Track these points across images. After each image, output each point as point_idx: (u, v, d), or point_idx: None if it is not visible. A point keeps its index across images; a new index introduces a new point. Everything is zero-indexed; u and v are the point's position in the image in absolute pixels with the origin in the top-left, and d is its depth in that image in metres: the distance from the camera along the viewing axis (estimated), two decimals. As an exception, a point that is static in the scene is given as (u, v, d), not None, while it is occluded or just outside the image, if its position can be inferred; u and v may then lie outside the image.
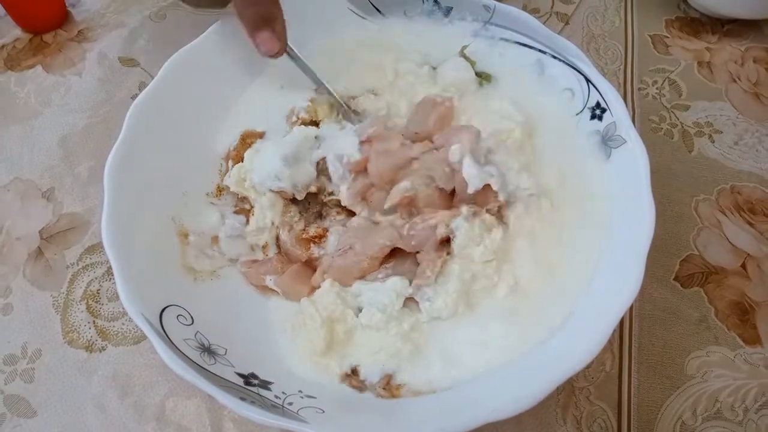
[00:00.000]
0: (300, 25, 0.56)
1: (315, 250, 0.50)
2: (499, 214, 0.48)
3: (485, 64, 0.56)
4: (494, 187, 0.46)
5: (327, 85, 0.53)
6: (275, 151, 0.50)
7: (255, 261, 0.50)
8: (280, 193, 0.50)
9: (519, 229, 0.47)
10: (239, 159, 0.52)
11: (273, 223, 0.50)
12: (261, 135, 0.54)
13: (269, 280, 0.48)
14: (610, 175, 0.47)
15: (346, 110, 0.54)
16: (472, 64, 0.56)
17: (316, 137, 0.52)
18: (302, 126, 0.53)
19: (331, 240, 0.49)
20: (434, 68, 0.56)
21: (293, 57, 0.52)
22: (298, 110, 0.54)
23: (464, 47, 0.57)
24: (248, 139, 0.53)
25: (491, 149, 0.49)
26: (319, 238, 0.50)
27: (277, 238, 0.51)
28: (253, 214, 0.50)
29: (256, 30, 0.49)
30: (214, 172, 0.53)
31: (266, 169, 0.49)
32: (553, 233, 0.47)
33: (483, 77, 0.55)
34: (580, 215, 0.47)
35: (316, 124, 0.54)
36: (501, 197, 0.47)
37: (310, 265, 0.49)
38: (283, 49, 0.51)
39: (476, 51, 0.56)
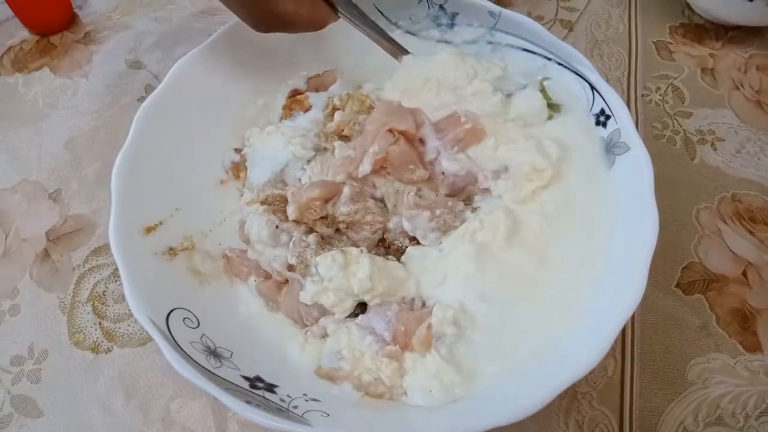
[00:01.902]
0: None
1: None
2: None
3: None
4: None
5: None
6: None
7: (244, 251, 0.50)
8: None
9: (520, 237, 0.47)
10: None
11: None
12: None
13: (251, 280, 0.49)
14: (614, 182, 0.48)
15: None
16: (548, 98, 0.53)
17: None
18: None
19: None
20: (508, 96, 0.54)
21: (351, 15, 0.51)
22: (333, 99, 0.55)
23: (544, 80, 0.54)
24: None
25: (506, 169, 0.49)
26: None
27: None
28: None
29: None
30: (220, 174, 0.53)
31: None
32: (556, 240, 0.47)
33: (553, 108, 0.53)
34: (584, 222, 0.48)
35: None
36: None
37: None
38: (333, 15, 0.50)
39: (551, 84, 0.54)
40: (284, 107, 0.56)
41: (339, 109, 0.54)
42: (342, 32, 0.54)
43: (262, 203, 0.51)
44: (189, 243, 0.48)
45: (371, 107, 0.53)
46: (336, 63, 0.59)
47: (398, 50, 0.54)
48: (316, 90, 0.58)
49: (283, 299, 0.47)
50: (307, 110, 0.56)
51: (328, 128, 0.53)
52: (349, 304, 0.45)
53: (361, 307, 0.47)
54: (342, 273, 0.45)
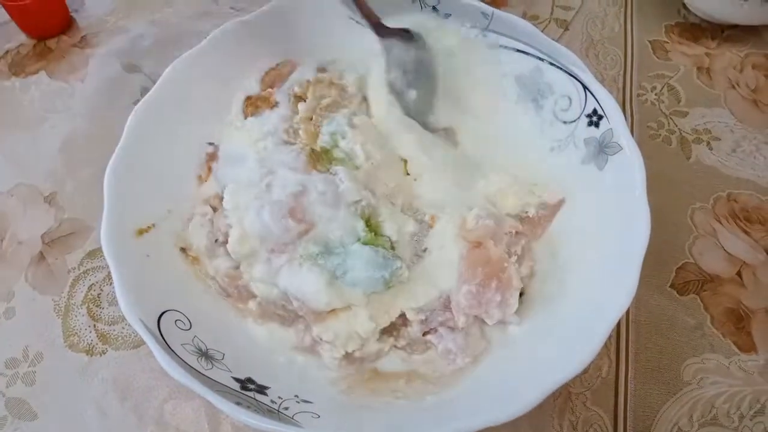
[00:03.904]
0: (304, 37, 0.57)
1: None
2: None
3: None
4: None
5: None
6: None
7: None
8: None
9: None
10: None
11: None
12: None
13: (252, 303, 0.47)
14: (607, 183, 0.48)
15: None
16: None
17: None
18: None
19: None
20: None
21: None
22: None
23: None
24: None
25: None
26: None
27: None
28: None
29: None
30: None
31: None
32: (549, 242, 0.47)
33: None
34: (576, 222, 0.48)
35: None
36: None
37: None
38: None
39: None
40: (249, 104, 0.55)
41: (301, 97, 0.54)
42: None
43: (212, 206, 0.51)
44: (182, 244, 0.48)
45: (333, 85, 0.54)
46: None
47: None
48: (272, 86, 0.57)
49: (298, 342, 0.47)
50: (273, 107, 0.55)
51: (294, 123, 0.52)
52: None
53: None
54: (345, 326, 0.45)
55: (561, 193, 0.50)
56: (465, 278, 0.45)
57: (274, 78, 0.57)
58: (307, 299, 0.44)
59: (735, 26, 0.71)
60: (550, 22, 0.73)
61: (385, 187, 0.50)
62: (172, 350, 0.39)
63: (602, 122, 0.49)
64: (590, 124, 0.50)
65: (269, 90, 0.56)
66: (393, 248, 0.47)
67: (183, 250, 0.48)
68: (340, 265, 0.45)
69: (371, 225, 0.47)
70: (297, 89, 0.56)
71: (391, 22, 0.55)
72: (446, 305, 0.46)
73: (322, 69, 0.57)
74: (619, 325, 0.50)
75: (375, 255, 0.45)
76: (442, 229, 0.48)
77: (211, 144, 0.54)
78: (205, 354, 0.41)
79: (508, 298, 0.44)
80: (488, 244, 0.46)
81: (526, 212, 0.50)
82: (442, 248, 0.47)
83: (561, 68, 0.52)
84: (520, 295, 0.46)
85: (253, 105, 0.55)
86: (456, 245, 0.47)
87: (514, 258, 0.47)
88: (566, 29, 0.73)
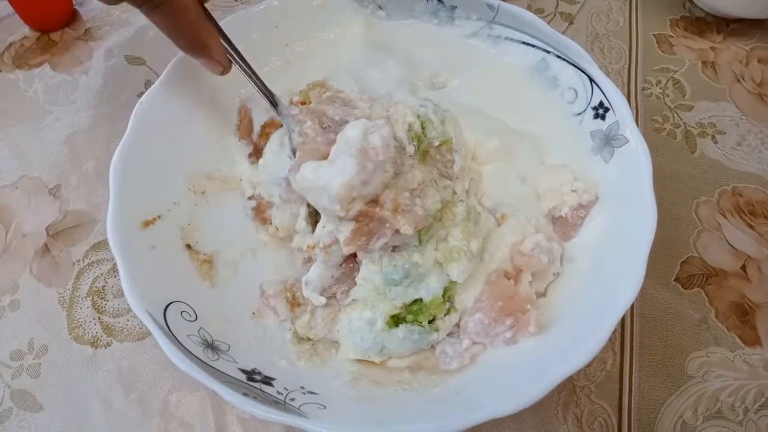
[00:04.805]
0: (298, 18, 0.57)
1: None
2: None
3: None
4: None
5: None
6: None
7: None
8: None
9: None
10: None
11: None
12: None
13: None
14: (612, 175, 0.48)
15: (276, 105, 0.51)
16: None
17: None
18: None
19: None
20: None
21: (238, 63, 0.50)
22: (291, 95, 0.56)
23: None
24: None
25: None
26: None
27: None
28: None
29: (193, 57, 0.47)
30: (217, 169, 0.53)
31: None
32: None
33: None
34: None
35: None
36: None
37: None
38: (227, 68, 0.49)
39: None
40: (261, 137, 0.55)
41: (303, 103, 0.55)
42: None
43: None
44: (188, 240, 0.48)
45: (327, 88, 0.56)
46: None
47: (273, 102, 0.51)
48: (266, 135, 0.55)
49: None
50: (279, 127, 0.53)
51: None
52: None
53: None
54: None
55: (594, 192, 0.48)
56: (481, 306, 0.45)
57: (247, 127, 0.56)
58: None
59: (740, 20, 0.70)
60: (554, 15, 0.73)
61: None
62: (179, 341, 0.39)
63: (608, 114, 0.49)
64: (596, 116, 0.50)
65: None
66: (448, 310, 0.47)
67: (189, 246, 0.48)
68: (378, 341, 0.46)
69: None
70: (296, 98, 0.56)
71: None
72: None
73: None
74: (623, 318, 0.50)
75: (411, 335, 0.45)
76: (506, 232, 0.48)
77: (251, 198, 0.53)
78: (211, 345, 0.41)
79: (518, 339, 0.43)
80: (524, 279, 0.45)
81: (560, 212, 0.48)
82: (498, 250, 0.47)
83: (567, 61, 0.52)
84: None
85: (265, 136, 0.55)
86: (506, 256, 0.47)
87: (541, 299, 0.46)
88: (571, 23, 0.73)
